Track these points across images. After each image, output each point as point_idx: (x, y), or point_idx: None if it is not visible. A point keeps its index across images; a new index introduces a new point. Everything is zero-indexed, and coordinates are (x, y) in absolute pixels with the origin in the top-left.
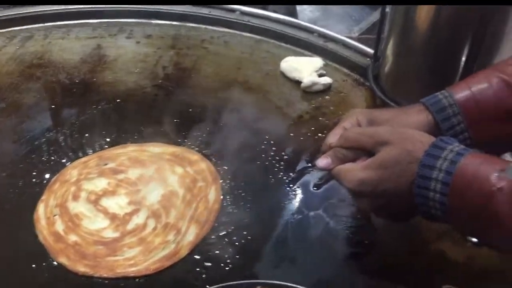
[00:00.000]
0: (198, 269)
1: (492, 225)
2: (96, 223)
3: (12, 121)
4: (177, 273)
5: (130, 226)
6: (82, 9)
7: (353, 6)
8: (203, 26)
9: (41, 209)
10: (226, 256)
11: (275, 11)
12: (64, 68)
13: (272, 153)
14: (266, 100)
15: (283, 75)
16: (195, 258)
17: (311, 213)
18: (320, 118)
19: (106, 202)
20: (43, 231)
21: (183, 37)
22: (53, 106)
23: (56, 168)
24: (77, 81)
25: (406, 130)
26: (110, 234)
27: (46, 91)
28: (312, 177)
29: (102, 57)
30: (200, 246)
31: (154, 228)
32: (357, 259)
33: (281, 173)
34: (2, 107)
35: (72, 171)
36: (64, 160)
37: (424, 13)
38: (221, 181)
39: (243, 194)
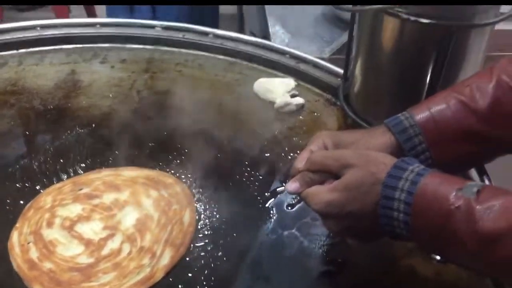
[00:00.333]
0: None
1: (451, 243)
2: (70, 250)
3: None
4: None
5: (105, 251)
6: (56, 35)
7: (324, 27)
8: (177, 50)
9: (15, 236)
10: (202, 278)
11: (252, 33)
12: (38, 94)
13: (246, 174)
14: (240, 121)
15: (257, 96)
16: (170, 281)
17: (285, 233)
18: (294, 138)
19: (81, 228)
20: (17, 259)
21: (157, 61)
22: (27, 133)
23: (30, 195)
24: (51, 107)
25: (369, 152)
26: (84, 260)
27: (20, 117)
28: (286, 197)
29: (77, 83)
30: (176, 269)
31: (129, 253)
32: (330, 277)
33: (256, 193)
34: None
35: (46, 198)
36: (38, 187)
37: (388, 32)
38: (196, 203)
39: (218, 215)
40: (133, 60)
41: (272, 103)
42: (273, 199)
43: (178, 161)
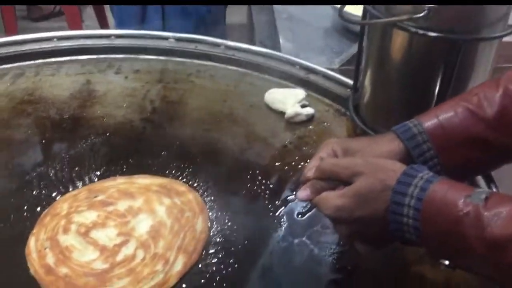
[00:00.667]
0: None
1: (460, 249)
2: (86, 255)
3: (3, 156)
4: None
5: (119, 257)
6: (72, 46)
7: (333, 39)
8: (190, 60)
9: (32, 242)
10: (214, 284)
11: (262, 43)
12: (55, 104)
13: (257, 183)
14: (251, 131)
15: (267, 106)
16: (183, 287)
17: (296, 240)
18: (303, 148)
19: (96, 234)
20: (34, 264)
21: (170, 71)
22: (43, 141)
23: (47, 202)
24: (66, 116)
25: (378, 160)
26: (99, 265)
27: (36, 126)
28: (297, 205)
29: (92, 92)
30: (188, 275)
31: (143, 259)
32: (340, 284)
33: (267, 202)
34: None
35: (62, 205)
36: (54, 194)
37: (397, 45)
38: (208, 211)
39: (229, 223)
40: (146, 70)
41: (282, 113)
42: (283, 207)
43: (190, 170)
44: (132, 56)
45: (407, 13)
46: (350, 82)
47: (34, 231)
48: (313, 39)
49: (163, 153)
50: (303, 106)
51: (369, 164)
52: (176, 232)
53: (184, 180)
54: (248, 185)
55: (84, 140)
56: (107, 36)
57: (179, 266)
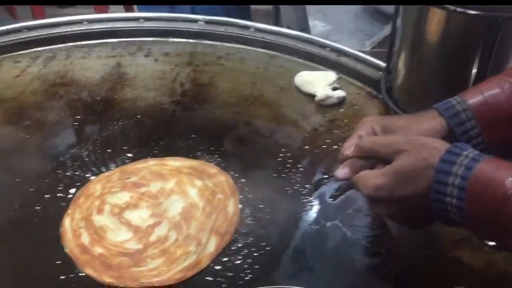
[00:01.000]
0: (219, 279)
1: (507, 228)
2: (120, 235)
3: (37, 138)
4: (199, 283)
5: (152, 238)
6: (102, 29)
7: (364, 21)
8: (219, 43)
9: (67, 222)
10: (246, 266)
11: (288, 27)
12: (86, 86)
13: (288, 165)
14: (281, 114)
15: (297, 89)
16: (215, 268)
17: (328, 224)
18: (334, 131)
19: (129, 215)
20: (70, 244)
21: (200, 54)
22: (76, 123)
23: (81, 183)
24: (98, 98)
25: (420, 138)
26: (133, 245)
27: (69, 108)
28: (328, 188)
29: (122, 75)
30: (221, 256)
31: (176, 240)
32: (374, 268)
33: (298, 185)
34: (28, 124)
35: (96, 185)
36: (88, 175)
37: (434, 24)
38: (239, 193)
39: (260, 206)
40: (176, 53)
41: (312, 96)
42: (315, 190)
43: (220, 152)
44: (162, 39)
45: None
46: (382, 64)
47: (69, 211)
48: (343, 22)
49: (193, 135)
50: (334, 88)
51: (411, 142)
52: (208, 214)
53: (215, 162)
54: (279, 168)
55: (115, 122)
56: (136, 19)
57: (211, 247)
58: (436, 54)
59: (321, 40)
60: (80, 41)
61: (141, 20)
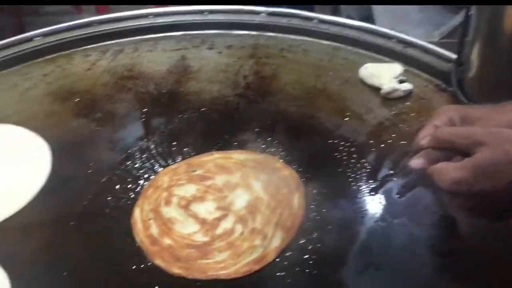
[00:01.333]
0: (284, 273)
1: None
2: (187, 227)
3: (107, 130)
4: (265, 277)
5: (219, 231)
6: (167, 23)
7: (431, 11)
8: (282, 35)
9: (137, 213)
10: (311, 262)
11: (349, 16)
12: (153, 79)
13: (353, 160)
14: (345, 107)
15: (362, 81)
16: (281, 263)
17: (395, 221)
18: (400, 125)
19: (196, 208)
20: (140, 234)
21: (262, 46)
22: (143, 116)
23: (149, 175)
24: (164, 91)
25: (502, 130)
26: (200, 238)
27: (137, 101)
28: (395, 185)
29: (187, 68)
30: (286, 251)
31: (242, 233)
32: (444, 269)
33: (363, 180)
34: (99, 116)
35: (163, 177)
36: (156, 167)
37: None
38: (303, 188)
39: (325, 201)
40: (239, 46)
41: (378, 89)
42: (381, 186)
43: (285, 146)
44: (225, 31)
45: None
46: (452, 56)
47: (139, 202)
48: (409, 12)
49: (257, 128)
50: (400, 81)
51: (492, 134)
52: (273, 208)
53: (279, 156)
54: (344, 163)
55: (181, 115)
56: (201, 12)
57: (277, 241)
58: None
59: (386, 31)
60: (147, 34)
61: (205, 12)
